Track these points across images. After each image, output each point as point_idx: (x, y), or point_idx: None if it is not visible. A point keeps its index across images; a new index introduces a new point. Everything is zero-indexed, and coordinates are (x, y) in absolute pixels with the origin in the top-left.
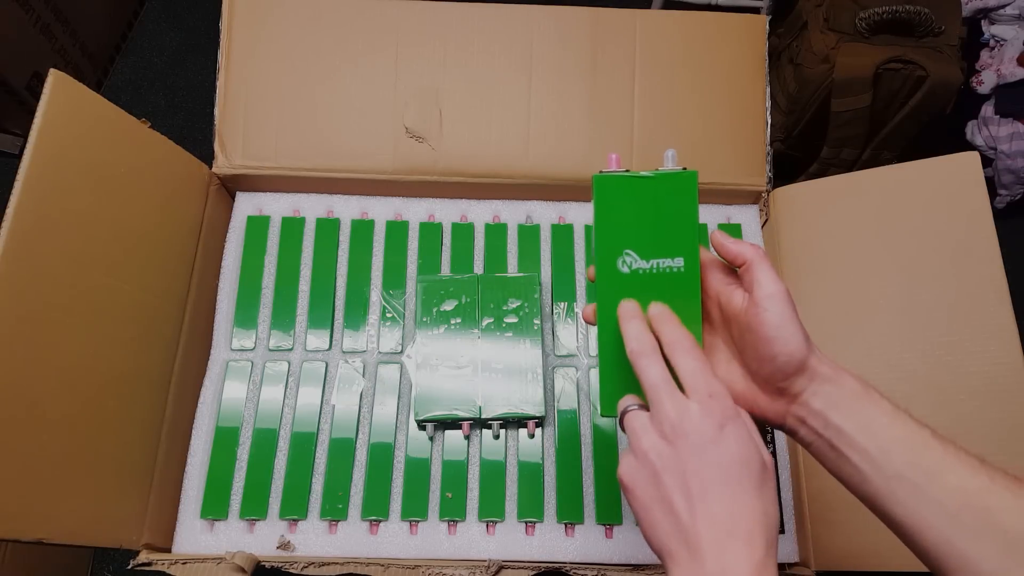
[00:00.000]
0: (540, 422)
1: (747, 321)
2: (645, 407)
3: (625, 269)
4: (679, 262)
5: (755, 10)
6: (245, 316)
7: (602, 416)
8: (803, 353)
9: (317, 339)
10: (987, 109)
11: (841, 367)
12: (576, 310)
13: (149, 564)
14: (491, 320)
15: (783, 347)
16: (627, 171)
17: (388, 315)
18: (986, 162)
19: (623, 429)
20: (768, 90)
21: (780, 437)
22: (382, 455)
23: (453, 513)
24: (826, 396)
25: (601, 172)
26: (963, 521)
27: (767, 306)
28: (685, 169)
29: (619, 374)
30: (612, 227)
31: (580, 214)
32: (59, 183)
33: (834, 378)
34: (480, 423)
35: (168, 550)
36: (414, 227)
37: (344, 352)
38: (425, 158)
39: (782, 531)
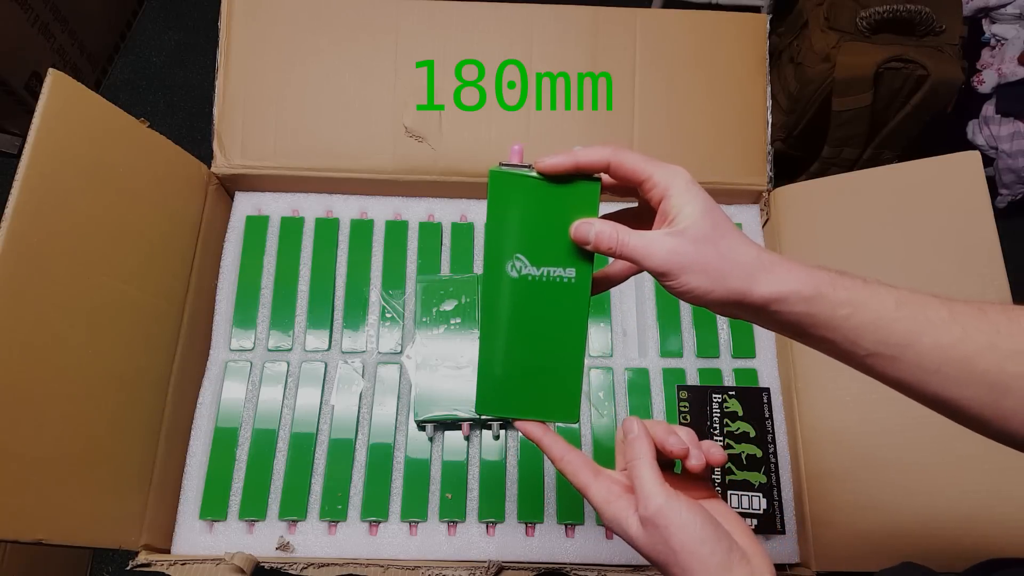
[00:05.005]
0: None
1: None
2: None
3: (514, 273)
4: (571, 272)
5: (756, 9)
6: (244, 316)
7: (476, 413)
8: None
9: (316, 339)
10: (988, 108)
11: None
12: None
13: (148, 565)
14: None
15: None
16: (528, 167)
17: (387, 315)
18: (987, 161)
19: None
20: (769, 89)
21: (780, 436)
22: (381, 456)
23: (453, 514)
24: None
25: (500, 165)
26: (946, 375)
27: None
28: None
29: (495, 376)
30: (504, 227)
31: None
32: (58, 183)
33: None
34: (480, 424)
35: (167, 551)
36: (413, 227)
37: (343, 352)
38: (425, 158)
39: (782, 531)
